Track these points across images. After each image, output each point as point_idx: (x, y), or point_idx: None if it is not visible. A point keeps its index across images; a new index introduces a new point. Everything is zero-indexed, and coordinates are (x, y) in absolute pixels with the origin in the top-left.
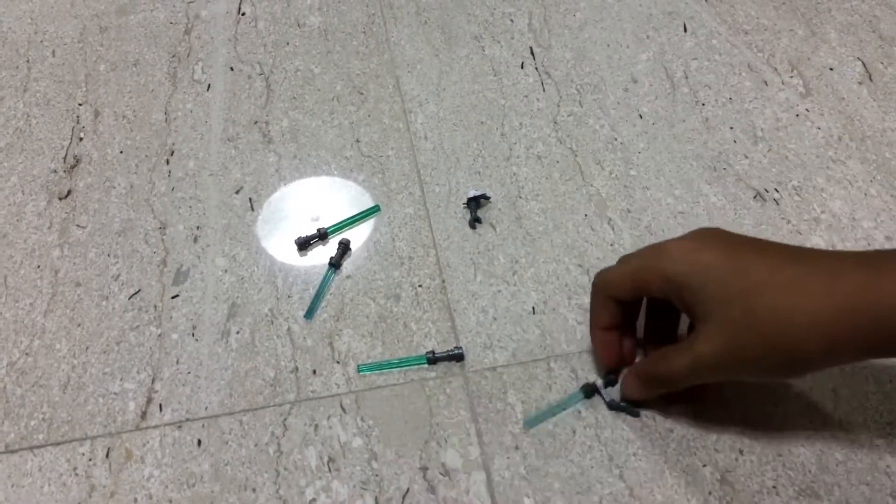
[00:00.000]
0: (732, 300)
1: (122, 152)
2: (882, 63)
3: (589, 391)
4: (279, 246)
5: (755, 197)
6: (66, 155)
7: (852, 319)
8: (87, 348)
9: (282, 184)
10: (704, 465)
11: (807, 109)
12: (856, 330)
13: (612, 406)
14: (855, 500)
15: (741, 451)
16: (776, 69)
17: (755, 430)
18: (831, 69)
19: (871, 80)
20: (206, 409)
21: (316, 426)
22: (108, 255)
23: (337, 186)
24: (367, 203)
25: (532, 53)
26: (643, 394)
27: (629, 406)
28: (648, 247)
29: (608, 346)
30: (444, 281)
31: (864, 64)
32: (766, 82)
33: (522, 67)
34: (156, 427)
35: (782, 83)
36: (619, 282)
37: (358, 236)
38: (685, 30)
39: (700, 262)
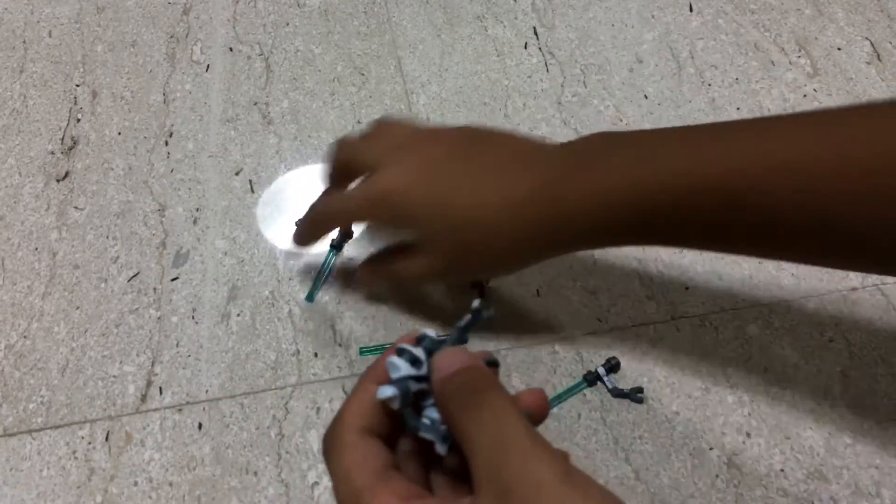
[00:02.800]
0: (441, 227)
1: (120, 133)
2: (891, 43)
3: (591, 380)
4: (280, 228)
5: None
6: (63, 136)
7: (531, 217)
8: (85, 331)
9: (282, 165)
10: (711, 448)
11: (814, 90)
12: (536, 227)
13: (615, 394)
14: (864, 484)
15: (748, 434)
16: (783, 49)
17: (763, 413)
18: (839, 49)
19: (879, 59)
20: (207, 392)
21: (318, 409)
22: (107, 238)
23: None
24: None
25: (535, 33)
26: (375, 284)
27: (633, 393)
28: (367, 182)
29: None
30: None
31: (872, 44)
32: (773, 62)
33: (526, 48)
34: (156, 410)
35: (790, 63)
36: (353, 213)
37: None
38: (691, 9)
39: (412, 197)
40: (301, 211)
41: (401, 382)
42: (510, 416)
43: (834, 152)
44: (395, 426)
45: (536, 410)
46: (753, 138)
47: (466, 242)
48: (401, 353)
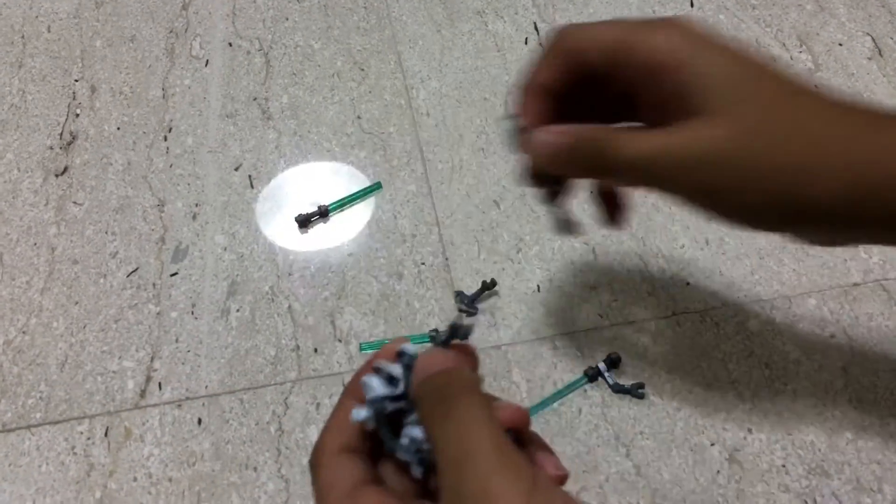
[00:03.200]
0: (752, 100)
1: (119, 129)
2: (892, 38)
3: (592, 376)
4: (279, 223)
5: None
6: (62, 131)
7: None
8: (84, 326)
9: (282, 161)
10: (713, 444)
11: (816, 86)
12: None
13: (616, 389)
14: (865, 479)
15: (750, 430)
16: (784, 44)
17: (764, 409)
18: (840, 44)
19: (881, 55)
20: (207, 387)
21: (318, 404)
22: (106, 233)
23: (338, 164)
24: (369, 181)
25: (536, 29)
26: (560, 162)
27: (634, 388)
28: (638, 19)
29: (536, 110)
30: (447, 259)
31: (873, 39)
32: (774, 58)
33: (526, 43)
34: (155, 406)
35: (791, 59)
36: (598, 39)
37: (359, 214)
38: (692, 4)
39: (717, 46)
40: (300, 206)
41: (375, 403)
42: (479, 426)
43: None
44: (376, 441)
45: (513, 427)
46: None
47: (785, 116)
48: (377, 371)
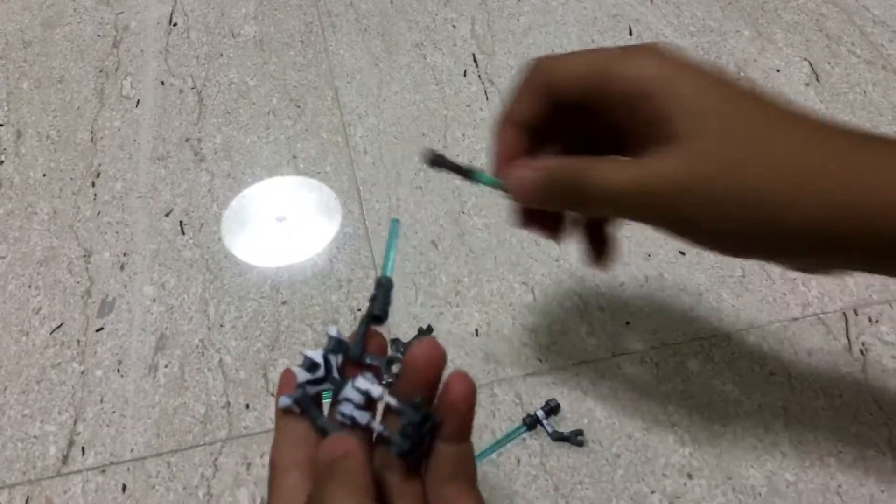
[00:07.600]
0: (718, 125)
1: (45, 175)
2: (829, 63)
3: (531, 424)
4: (211, 271)
5: None
6: None
7: (863, 201)
8: (5, 389)
9: (214, 205)
10: (653, 492)
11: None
12: (864, 218)
13: (555, 437)
14: None
15: (690, 476)
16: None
17: (704, 453)
18: (778, 70)
19: (818, 80)
20: (132, 450)
21: (248, 465)
22: (29, 287)
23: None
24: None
25: (475, 61)
26: (537, 197)
27: (573, 436)
28: (612, 48)
29: (513, 144)
30: None
31: (810, 64)
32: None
33: (465, 76)
34: (78, 472)
35: None
36: (573, 69)
37: (295, 259)
38: (630, 33)
39: (692, 72)
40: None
41: (297, 389)
42: None
43: None
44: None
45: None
46: None
47: (749, 140)
48: (303, 360)
